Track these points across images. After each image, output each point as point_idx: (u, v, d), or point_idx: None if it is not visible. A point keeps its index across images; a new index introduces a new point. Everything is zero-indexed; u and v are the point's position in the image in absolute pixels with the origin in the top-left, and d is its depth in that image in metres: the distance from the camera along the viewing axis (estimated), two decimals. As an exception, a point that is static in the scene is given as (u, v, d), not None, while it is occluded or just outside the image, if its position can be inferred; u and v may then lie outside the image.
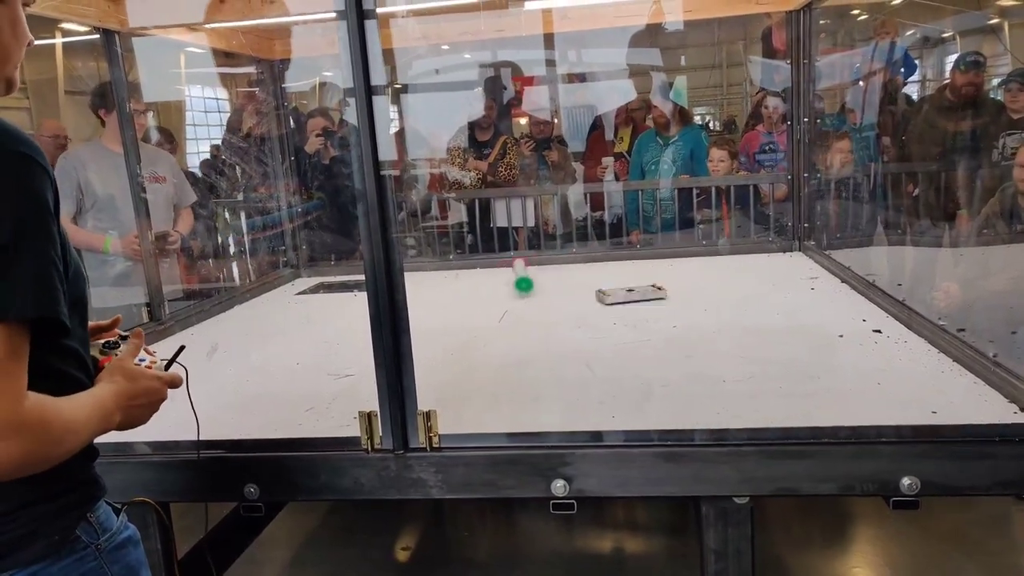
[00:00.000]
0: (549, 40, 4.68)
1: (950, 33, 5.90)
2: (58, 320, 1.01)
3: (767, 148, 4.49)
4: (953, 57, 4.74)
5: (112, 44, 2.89)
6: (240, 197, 4.34)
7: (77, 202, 3.33)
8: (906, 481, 1.54)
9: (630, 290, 3.02)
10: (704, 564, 1.71)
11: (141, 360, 1.29)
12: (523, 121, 5.24)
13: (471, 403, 2.03)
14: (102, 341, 1.29)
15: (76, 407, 1.06)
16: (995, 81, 5.16)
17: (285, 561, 3.06)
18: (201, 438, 1.52)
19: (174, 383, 1.30)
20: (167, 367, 1.35)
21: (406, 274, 1.69)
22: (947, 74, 4.76)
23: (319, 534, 3.25)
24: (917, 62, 5.27)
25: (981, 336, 2.02)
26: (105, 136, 3.39)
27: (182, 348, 1.41)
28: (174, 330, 3.01)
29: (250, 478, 1.73)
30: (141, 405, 1.22)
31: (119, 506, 1.24)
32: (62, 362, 1.11)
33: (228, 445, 1.76)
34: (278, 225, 4.22)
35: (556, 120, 5.12)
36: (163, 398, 1.27)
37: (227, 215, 4.45)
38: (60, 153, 4.15)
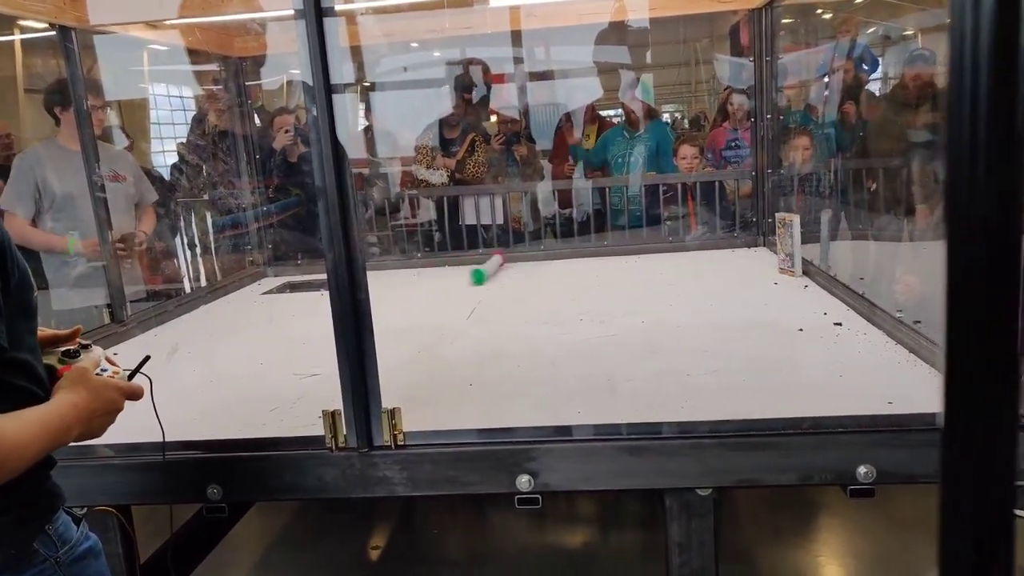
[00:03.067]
0: (516, 37, 4.68)
1: (912, 31, 6.00)
2: None
3: (733, 144, 4.54)
4: (912, 55, 4.82)
5: (68, 41, 2.84)
6: (205, 196, 4.29)
7: (36, 203, 3.27)
8: (862, 470, 1.57)
9: None
10: (668, 556, 1.73)
11: (103, 371, 1.26)
12: (493, 119, 5.23)
13: (439, 401, 2.03)
14: (61, 349, 1.25)
15: (24, 424, 1.02)
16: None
17: (252, 563, 3.03)
18: (160, 439, 1.50)
19: (134, 395, 1.27)
20: (130, 377, 1.32)
21: (372, 273, 1.69)
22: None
23: (288, 535, 3.22)
24: (879, 59, 5.35)
25: (937, 327, 2.06)
26: (61, 135, 3.33)
27: (147, 359, 1.38)
28: (136, 332, 2.97)
29: (213, 479, 1.71)
30: (100, 416, 1.19)
31: (79, 515, 1.21)
32: (10, 374, 1.07)
33: (190, 446, 1.75)
34: (245, 224, 4.18)
35: (524, 117, 5.12)
36: (119, 409, 1.23)
37: (193, 214, 4.40)
38: (5, 153, 4.07)
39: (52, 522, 1.12)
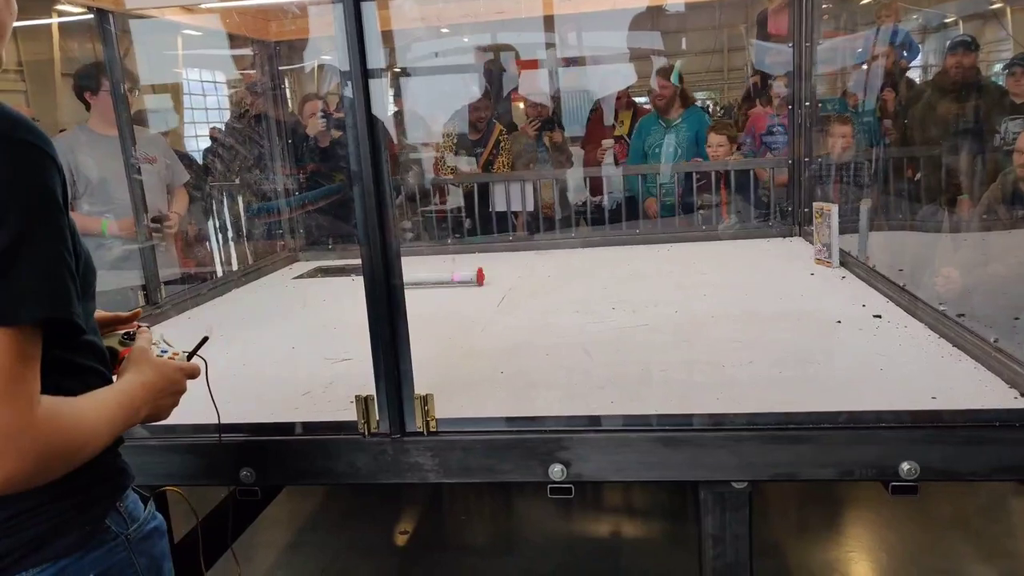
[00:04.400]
0: (549, 22, 4.64)
1: (952, 18, 5.86)
2: (71, 322, 0.97)
3: (773, 130, 4.45)
4: (953, 42, 4.70)
5: (106, 24, 2.86)
6: (237, 180, 4.31)
7: (71, 187, 3.31)
8: (905, 466, 1.53)
9: None
10: (702, 549, 1.71)
11: (163, 352, 1.28)
12: (522, 106, 5.20)
13: (469, 388, 2.02)
14: (121, 332, 1.27)
15: (99, 407, 1.03)
16: (997, 67, 5.12)
17: (284, 544, 3.07)
18: (196, 422, 1.51)
19: (193, 374, 1.29)
20: (189, 358, 1.34)
21: (404, 258, 1.67)
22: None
23: (318, 518, 3.25)
24: (920, 46, 5.23)
25: (981, 321, 2.01)
26: (92, 120, 3.36)
27: (205, 339, 1.39)
28: (170, 314, 3.00)
29: (245, 462, 1.72)
30: (167, 397, 1.21)
31: (146, 495, 1.22)
32: (81, 356, 1.08)
33: (224, 429, 1.75)
34: (277, 211, 4.20)
35: (556, 103, 5.07)
36: (184, 390, 1.26)
37: (226, 198, 4.42)
38: None
39: (123, 500, 1.13)
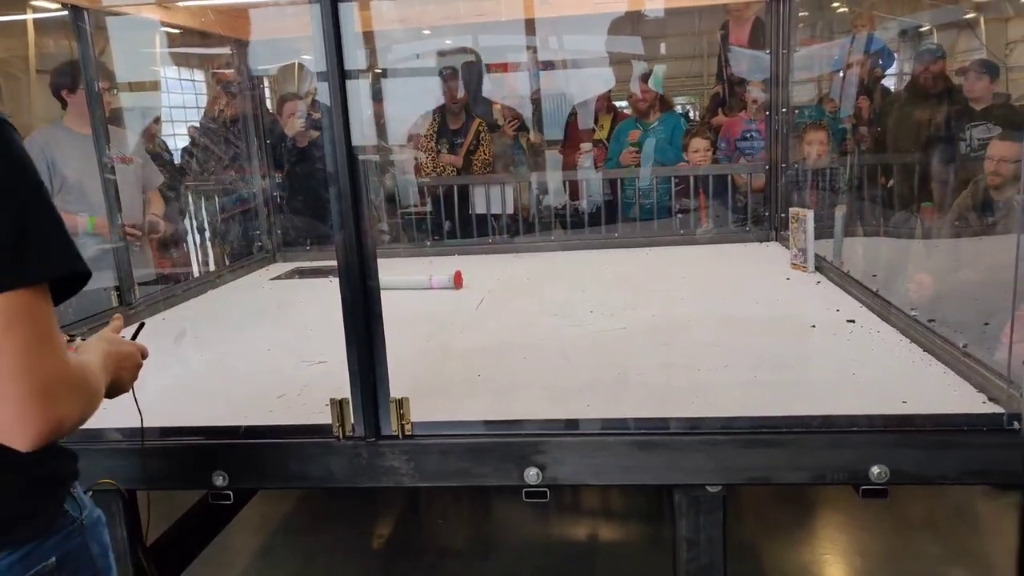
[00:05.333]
0: (530, 26, 4.64)
1: (927, 27, 5.94)
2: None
3: (747, 136, 4.49)
4: (927, 52, 4.76)
5: (80, 21, 2.83)
6: (212, 181, 4.28)
7: (48, 184, 3.26)
8: (875, 470, 1.55)
9: None
10: (677, 552, 1.72)
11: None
12: (497, 107, 5.20)
13: (446, 390, 2.01)
14: None
15: (93, 363, 1.11)
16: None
17: (257, 548, 3.04)
18: (169, 424, 1.50)
19: (144, 352, 1.36)
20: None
21: (382, 260, 1.67)
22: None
23: (292, 521, 3.23)
24: (895, 55, 5.30)
25: (951, 327, 2.04)
26: (68, 118, 3.31)
27: (142, 325, 1.47)
28: (144, 315, 2.96)
29: (219, 466, 1.70)
30: (125, 368, 1.27)
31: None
32: None
33: (197, 432, 1.74)
34: (255, 213, 4.16)
35: (535, 106, 5.07)
36: (139, 364, 1.33)
37: (203, 199, 4.38)
38: None
39: (74, 486, 1.15)
